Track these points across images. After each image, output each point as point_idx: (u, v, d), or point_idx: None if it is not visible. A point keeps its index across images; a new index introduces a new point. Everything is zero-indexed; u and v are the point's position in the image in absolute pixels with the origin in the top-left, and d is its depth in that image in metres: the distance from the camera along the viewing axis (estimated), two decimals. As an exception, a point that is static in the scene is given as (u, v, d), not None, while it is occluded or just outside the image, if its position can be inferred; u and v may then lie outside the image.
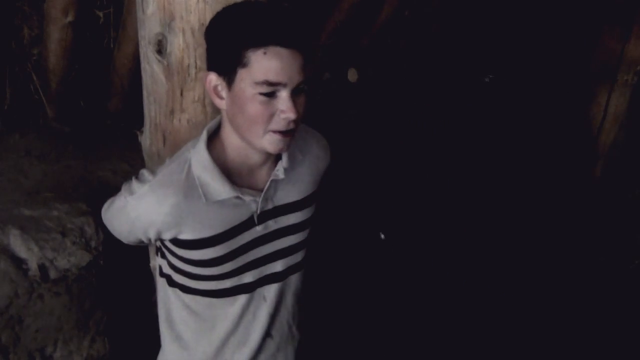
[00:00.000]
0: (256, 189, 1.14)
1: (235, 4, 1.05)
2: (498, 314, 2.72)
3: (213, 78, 1.04)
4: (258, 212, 1.14)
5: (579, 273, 3.01)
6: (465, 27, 3.26)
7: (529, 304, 2.80)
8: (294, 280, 1.25)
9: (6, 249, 1.65)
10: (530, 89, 3.35)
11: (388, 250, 2.84)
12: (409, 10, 2.89)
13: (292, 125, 1.03)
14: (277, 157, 1.15)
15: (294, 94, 1.01)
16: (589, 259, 3.09)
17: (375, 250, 2.81)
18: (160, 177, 1.10)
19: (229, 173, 1.10)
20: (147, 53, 1.29)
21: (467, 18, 3.24)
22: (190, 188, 1.08)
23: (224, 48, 1.00)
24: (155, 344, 1.33)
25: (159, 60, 1.27)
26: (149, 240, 1.16)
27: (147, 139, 1.43)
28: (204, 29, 1.09)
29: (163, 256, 1.21)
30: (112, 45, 2.16)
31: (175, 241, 1.12)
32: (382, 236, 2.78)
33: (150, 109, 1.37)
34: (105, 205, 1.20)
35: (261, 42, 0.97)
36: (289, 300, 1.26)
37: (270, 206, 1.15)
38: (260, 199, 1.13)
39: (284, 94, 1.00)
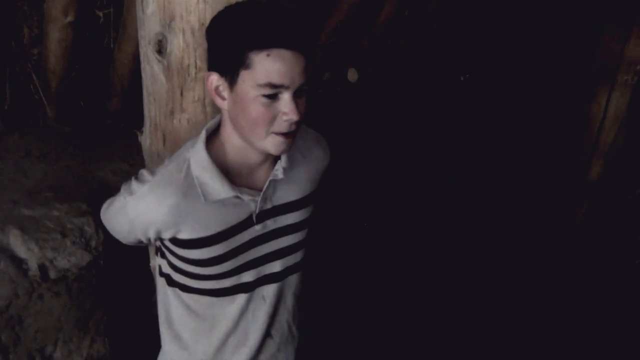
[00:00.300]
0: (255, 189, 1.14)
1: (237, 4, 1.05)
2: (498, 314, 2.72)
3: (215, 78, 1.04)
4: (257, 211, 1.14)
5: (579, 273, 3.01)
6: (465, 27, 3.26)
7: (529, 303, 2.80)
8: (293, 280, 1.25)
9: (6, 249, 1.65)
10: (530, 89, 3.35)
11: (387, 249, 2.84)
12: (409, 10, 2.89)
13: (294, 127, 1.03)
14: (276, 157, 1.15)
15: (296, 96, 1.01)
16: (588, 259, 3.09)
17: (374, 250, 2.81)
18: (159, 177, 1.10)
19: (228, 173, 1.10)
20: (147, 53, 1.29)
21: (466, 18, 3.24)
22: (190, 187, 1.08)
23: (227, 49, 1.00)
24: (155, 344, 1.33)
25: (159, 60, 1.27)
26: (148, 240, 1.16)
27: (147, 139, 1.43)
28: (204, 29, 1.09)
29: (163, 256, 1.21)
30: (112, 45, 2.16)
31: (175, 240, 1.12)
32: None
33: (150, 109, 1.37)
34: (105, 206, 1.20)
35: (265, 44, 0.97)
36: (289, 300, 1.26)
37: (269, 206, 1.16)
38: (259, 199, 1.13)
39: (286, 96, 1.00)
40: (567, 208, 3.13)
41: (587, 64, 2.94)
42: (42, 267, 1.66)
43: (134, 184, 1.12)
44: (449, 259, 2.96)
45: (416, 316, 2.64)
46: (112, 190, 1.19)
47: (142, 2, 1.25)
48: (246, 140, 1.06)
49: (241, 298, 1.19)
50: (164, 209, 1.07)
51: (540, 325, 2.70)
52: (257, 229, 1.15)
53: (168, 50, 1.24)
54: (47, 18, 1.93)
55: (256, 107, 1.00)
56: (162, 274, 1.23)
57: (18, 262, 1.64)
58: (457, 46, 3.29)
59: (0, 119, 2.10)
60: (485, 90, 3.42)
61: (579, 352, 2.59)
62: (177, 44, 1.23)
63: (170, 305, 1.23)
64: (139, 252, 1.50)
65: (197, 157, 1.09)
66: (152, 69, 1.30)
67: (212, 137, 1.12)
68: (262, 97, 0.99)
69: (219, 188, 1.09)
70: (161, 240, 1.15)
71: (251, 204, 1.13)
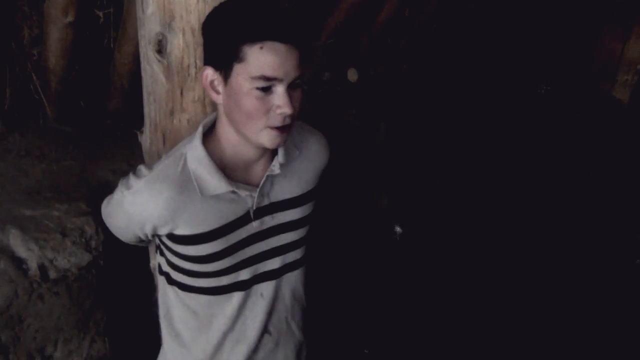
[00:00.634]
0: (252, 185, 1.14)
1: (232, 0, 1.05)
2: (499, 313, 2.72)
3: (209, 73, 1.04)
4: (254, 207, 1.13)
5: (579, 273, 3.01)
6: (465, 27, 3.26)
7: (530, 303, 2.80)
8: (291, 277, 1.25)
9: (6, 249, 1.64)
10: (530, 89, 3.35)
11: (387, 249, 2.84)
12: (409, 10, 2.89)
13: (288, 121, 1.04)
14: (273, 153, 1.15)
15: (290, 89, 1.01)
16: (588, 259, 3.09)
17: (374, 250, 2.81)
18: (155, 171, 1.11)
19: (225, 168, 1.10)
20: (147, 53, 1.29)
21: (466, 18, 3.24)
22: (186, 182, 1.09)
23: (221, 43, 1.01)
24: (155, 344, 1.33)
25: (159, 60, 1.27)
26: (146, 236, 1.16)
27: (147, 139, 1.43)
28: (203, 28, 1.08)
29: (162, 254, 1.22)
30: (112, 45, 2.15)
31: (172, 237, 1.12)
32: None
33: (150, 109, 1.37)
34: (105, 202, 1.21)
35: (258, 37, 0.97)
36: (287, 297, 1.26)
37: (266, 202, 1.15)
38: (256, 195, 1.13)
39: (280, 89, 1.00)
40: (566, 206, 3.13)
41: (588, 64, 2.95)
42: (42, 267, 1.66)
43: (131, 179, 1.12)
44: (450, 258, 2.96)
45: (416, 316, 2.64)
46: (112, 191, 1.19)
47: (142, 2, 1.25)
48: (241, 135, 1.07)
49: (238, 296, 1.19)
50: (160, 203, 1.07)
51: (540, 325, 2.70)
52: (254, 226, 1.15)
53: (168, 50, 1.24)
54: (47, 18, 1.92)
55: (250, 100, 1.00)
56: (161, 272, 1.24)
57: (18, 262, 1.64)
58: (457, 46, 3.29)
59: (0, 119, 2.10)
60: (485, 91, 3.43)
61: (579, 352, 2.59)
62: (177, 44, 1.23)
63: (170, 303, 1.23)
64: (139, 252, 1.50)
65: (194, 151, 1.09)
66: (152, 69, 1.30)
67: (209, 132, 1.13)
68: (256, 90, 0.99)
69: (215, 183, 1.09)
70: (159, 237, 1.15)
71: (248, 199, 1.13)
